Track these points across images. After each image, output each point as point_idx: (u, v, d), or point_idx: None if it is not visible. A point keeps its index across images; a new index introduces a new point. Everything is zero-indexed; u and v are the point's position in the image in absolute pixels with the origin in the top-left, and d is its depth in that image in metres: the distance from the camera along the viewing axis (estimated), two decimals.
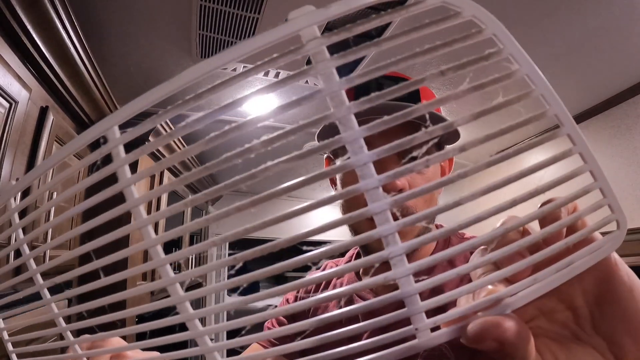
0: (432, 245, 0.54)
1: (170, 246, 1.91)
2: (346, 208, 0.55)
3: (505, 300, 0.19)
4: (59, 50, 0.92)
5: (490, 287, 0.19)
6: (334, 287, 0.63)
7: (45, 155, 0.91)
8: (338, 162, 0.57)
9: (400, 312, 0.18)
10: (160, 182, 1.61)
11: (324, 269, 0.68)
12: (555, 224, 0.19)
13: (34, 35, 0.81)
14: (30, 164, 0.87)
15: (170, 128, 1.50)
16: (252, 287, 3.91)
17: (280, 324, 0.68)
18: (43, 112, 0.91)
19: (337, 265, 0.68)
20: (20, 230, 0.23)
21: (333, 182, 0.61)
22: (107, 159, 0.20)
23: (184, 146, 1.71)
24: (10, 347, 0.29)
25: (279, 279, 4.58)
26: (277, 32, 0.17)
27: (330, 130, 0.55)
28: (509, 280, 0.20)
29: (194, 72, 0.19)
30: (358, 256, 0.66)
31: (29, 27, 0.79)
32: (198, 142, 0.18)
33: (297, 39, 0.18)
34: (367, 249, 0.55)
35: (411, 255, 0.53)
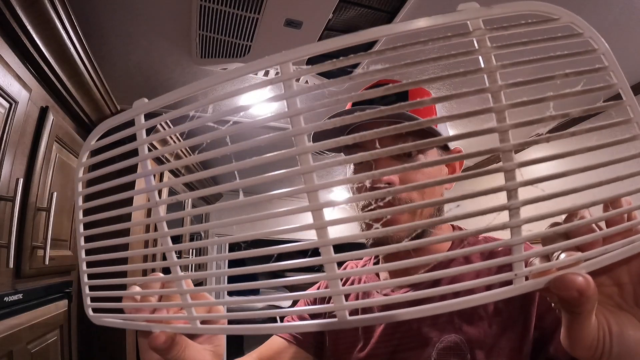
0: (443, 243, 0.58)
1: None
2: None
3: (581, 263, 0.23)
4: (59, 50, 0.92)
5: (563, 255, 0.24)
6: (352, 282, 0.68)
7: (46, 155, 0.91)
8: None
9: (507, 258, 0.23)
10: (161, 182, 1.61)
11: (344, 268, 0.72)
12: (618, 210, 0.24)
13: (34, 35, 0.81)
14: (30, 164, 0.87)
15: (170, 128, 1.50)
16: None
17: (301, 318, 0.71)
18: (43, 112, 0.91)
19: (357, 266, 0.73)
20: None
21: None
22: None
23: (185, 148, 1.70)
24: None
25: (278, 278, 4.59)
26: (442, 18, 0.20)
27: (325, 132, 0.55)
28: (580, 249, 0.25)
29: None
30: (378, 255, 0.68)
31: (29, 27, 0.79)
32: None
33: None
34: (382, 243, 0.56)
35: (424, 249, 0.55)
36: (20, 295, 0.82)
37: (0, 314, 0.75)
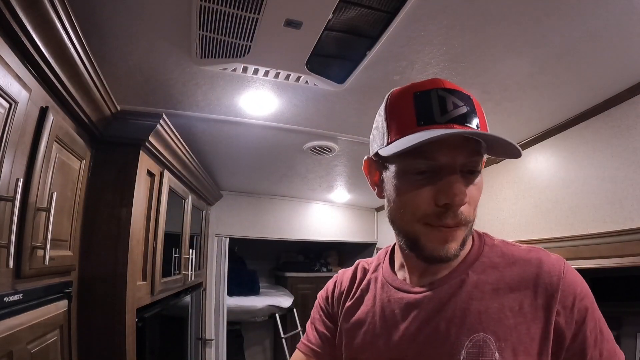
0: (469, 245, 0.60)
1: (170, 246, 1.91)
2: (400, 212, 0.56)
3: None
4: (59, 50, 0.92)
5: None
6: (368, 281, 0.68)
7: (46, 155, 0.91)
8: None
9: None
10: (161, 182, 1.61)
11: (355, 267, 0.74)
12: None
13: (34, 36, 0.81)
14: (30, 164, 0.87)
15: (170, 128, 1.50)
16: (252, 287, 3.90)
17: (313, 322, 0.76)
18: (43, 112, 0.91)
19: (368, 264, 0.73)
20: None
21: (374, 185, 0.63)
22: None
23: (183, 146, 1.71)
24: None
25: (278, 279, 4.59)
26: None
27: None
28: None
29: None
30: (392, 253, 0.70)
31: (28, 27, 0.79)
32: None
33: None
34: (421, 248, 0.55)
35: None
36: (20, 296, 0.82)
37: (0, 314, 0.75)
